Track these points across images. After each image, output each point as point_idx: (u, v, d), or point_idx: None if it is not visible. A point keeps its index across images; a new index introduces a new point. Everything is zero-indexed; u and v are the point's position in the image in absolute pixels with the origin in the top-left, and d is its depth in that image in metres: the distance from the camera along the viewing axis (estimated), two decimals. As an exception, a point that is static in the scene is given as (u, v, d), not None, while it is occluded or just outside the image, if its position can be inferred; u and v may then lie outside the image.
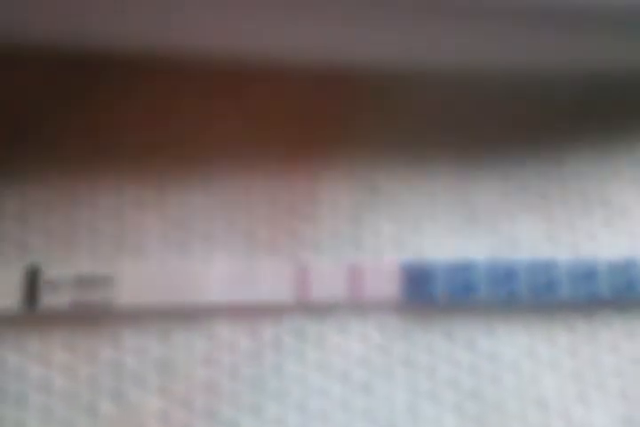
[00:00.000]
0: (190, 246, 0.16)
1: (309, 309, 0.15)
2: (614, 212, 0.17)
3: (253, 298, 0.15)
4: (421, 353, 0.16)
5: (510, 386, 0.15)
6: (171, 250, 0.16)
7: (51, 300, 0.15)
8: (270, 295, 0.15)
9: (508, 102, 0.17)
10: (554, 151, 0.18)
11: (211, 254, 0.16)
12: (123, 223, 0.16)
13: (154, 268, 0.15)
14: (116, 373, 0.15)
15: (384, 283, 0.16)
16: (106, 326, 0.15)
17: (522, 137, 0.17)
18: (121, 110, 0.16)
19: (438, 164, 0.17)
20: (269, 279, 0.15)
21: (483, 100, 0.17)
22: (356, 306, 0.16)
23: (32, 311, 0.15)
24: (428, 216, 0.17)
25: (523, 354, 0.16)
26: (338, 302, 0.15)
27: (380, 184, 0.17)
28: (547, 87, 0.18)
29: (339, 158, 0.17)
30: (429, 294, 0.16)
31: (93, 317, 0.15)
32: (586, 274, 0.16)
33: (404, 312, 0.16)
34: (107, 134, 0.16)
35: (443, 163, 0.17)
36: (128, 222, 0.16)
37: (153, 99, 0.16)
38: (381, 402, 0.15)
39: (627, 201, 0.17)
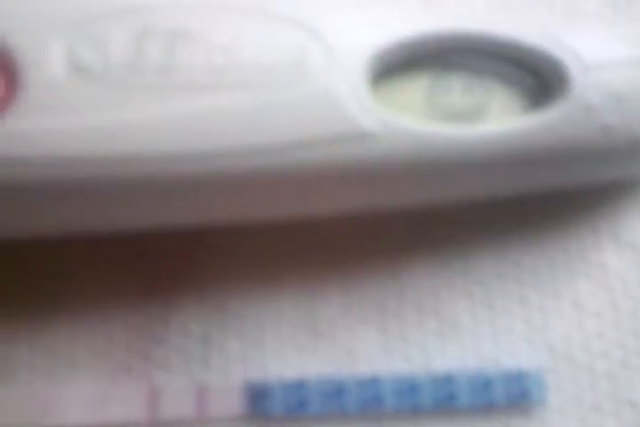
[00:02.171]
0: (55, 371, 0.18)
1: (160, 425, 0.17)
2: (446, 323, 0.19)
3: (109, 418, 0.17)
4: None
5: None
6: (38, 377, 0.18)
7: None
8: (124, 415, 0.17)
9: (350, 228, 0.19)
10: (392, 267, 0.20)
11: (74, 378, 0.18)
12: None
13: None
14: None
15: (229, 401, 0.18)
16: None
17: (361, 256, 0.19)
18: None
19: (285, 282, 0.19)
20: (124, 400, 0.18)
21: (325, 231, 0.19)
22: (204, 421, 0.18)
23: None
24: (273, 332, 0.19)
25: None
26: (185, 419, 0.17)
27: (229, 305, 0.19)
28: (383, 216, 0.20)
29: (189, 283, 0.19)
30: (268, 410, 0.18)
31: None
32: (409, 387, 0.18)
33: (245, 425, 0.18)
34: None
35: (289, 281, 0.19)
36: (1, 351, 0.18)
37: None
38: None
39: (458, 313, 0.19)
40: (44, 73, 0.14)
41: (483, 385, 0.18)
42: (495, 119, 0.16)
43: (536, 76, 0.16)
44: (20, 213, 0.15)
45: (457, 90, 0.16)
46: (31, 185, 0.14)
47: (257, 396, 0.18)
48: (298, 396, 0.18)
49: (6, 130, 0.14)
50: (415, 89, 0.16)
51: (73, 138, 0.14)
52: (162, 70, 0.14)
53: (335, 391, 0.18)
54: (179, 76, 0.14)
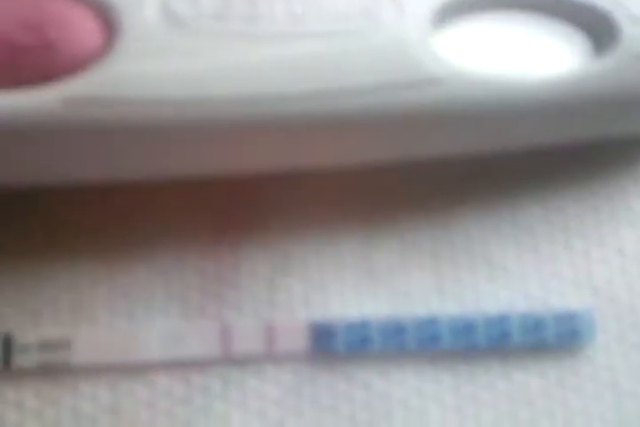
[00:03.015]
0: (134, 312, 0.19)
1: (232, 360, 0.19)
2: (496, 268, 0.20)
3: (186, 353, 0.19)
4: (325, 395, 0.19)
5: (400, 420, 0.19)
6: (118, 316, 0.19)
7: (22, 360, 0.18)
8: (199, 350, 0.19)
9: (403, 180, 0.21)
10: (444, 216, 0.21)
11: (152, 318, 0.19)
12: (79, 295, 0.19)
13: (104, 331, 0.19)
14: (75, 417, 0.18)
15: (295, 338, 0.19)
16: (67, 379, 0.18)
17: (415, 206, 0.21)
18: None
19: (344, 230, 0.20)
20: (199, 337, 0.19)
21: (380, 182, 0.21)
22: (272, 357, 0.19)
23: (7, 370, 0.18)
24: (334, 276, 0.20)
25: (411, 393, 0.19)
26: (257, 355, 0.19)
27: (292, 251, 0.20)
28: (435, 166, 0.21)
29: (256, 231, 0.20)
30: (332, 347, 0.19)
31: (56, 372, 0.18)
32: (465, 327, 0.19)
33: (311, 362, 0.19)
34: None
35: (347, 229, 0.20)
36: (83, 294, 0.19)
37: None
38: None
39: (507, 259, 0.20)
40: (141, 21, 0.15)
41: (534, 325, 0.19)
42: (550, 70, 0.17)
43: (588, 30, 0.18)
44: (107, 155, 0.16)
45: (514, 41, 0.18)
46: (126, 125, 0.15)
47: (322, 334, 0.19)
48: (360, 334, 0.19)
49: (106, 72, 0.15)
50: (478, 38, 0.17)
51: (166, 80, 0.15)
52: (246, 19, 0.16)
53: (395, 330, 0.19)
54: (261, 25, 0.16)
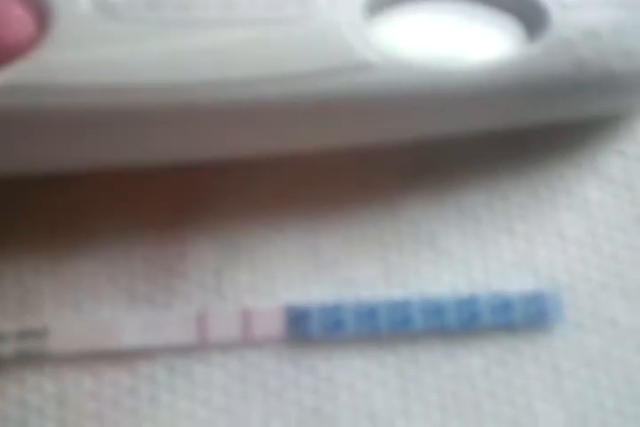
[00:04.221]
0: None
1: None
2: (440, 253, 0.20)
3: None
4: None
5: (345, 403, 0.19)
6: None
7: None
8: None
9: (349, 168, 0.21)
10: (389, 204, 0.21)
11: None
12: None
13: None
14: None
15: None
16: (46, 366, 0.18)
17: (360, 194, 0.21)
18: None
19: (289, 218, 0.21)
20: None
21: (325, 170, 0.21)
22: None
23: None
24: (280, 265, 0.20)
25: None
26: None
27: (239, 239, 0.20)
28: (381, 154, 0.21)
29: (203, 221, 0.20)
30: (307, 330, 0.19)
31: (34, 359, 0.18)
32: (436, 309, 0.19)
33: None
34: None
35: (293, 217, 0.21)
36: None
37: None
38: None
39: (452, 244, 0.21)
40: (74, 10, 0.16)
41: (503, 306, 0.19)
42: (481, 56, 0.18)
43: (520, 16, 0.18)
44: (41, 143, 0.17)
45: (446, 28, 0.18)
46: (57, 112, 0.16)
47: (297, 317, 0.19)
48: (334, 318, 0.19)
49: (38, 60, 0.15)
50: (410, 25, 0.18)
51: (97, 69, 0.16)
52: (178, 7, 0.16)
53: (368, 313, 0.19)
54: (194, 12, 0.16)
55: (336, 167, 0.20)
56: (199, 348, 0.19)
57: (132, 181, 0.20)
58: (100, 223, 0.20)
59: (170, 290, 0.19)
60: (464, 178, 0.21)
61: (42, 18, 0.16)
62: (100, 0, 0.16)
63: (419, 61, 0.17)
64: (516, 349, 0.19)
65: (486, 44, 0.18)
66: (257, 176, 0.20)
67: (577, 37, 0.18)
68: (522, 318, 0.19)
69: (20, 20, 0.15)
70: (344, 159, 0.20)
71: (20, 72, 0.15)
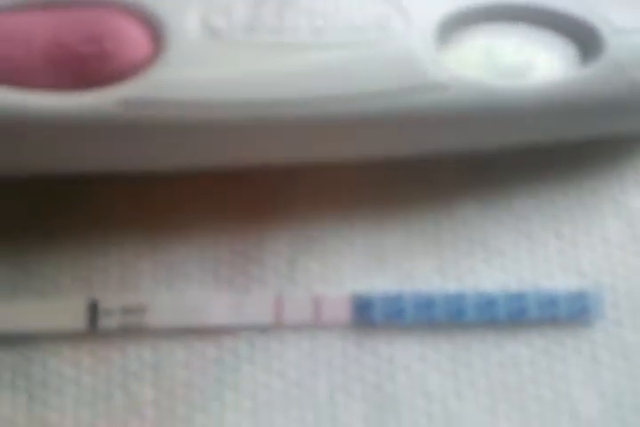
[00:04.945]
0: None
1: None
2: (492, 252, 0.22)
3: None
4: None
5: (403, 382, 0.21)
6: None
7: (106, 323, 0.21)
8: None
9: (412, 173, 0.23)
10: (447, 206, 0.23)
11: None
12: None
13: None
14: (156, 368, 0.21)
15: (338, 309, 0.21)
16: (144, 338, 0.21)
17: (420, 197, 0.23)
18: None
19: (357, 218, 0.23)
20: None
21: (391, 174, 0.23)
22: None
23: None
24: (347, 258, 0.22)
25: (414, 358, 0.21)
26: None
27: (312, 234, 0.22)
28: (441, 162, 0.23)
29: (281, 216, 0.22)
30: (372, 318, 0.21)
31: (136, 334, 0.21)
32: (487, 302, 0.21)
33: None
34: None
35: (361, 217, 0.23)
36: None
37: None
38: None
39: (503, 244, 0.22)
40: (184, 33, 0.18)
41: (549, 302, 0.21)
42: (541, 77, 0.20)
43: (576, 40, 0.20)
44: (154, 149, 0.19)
45: (509, 51, 0.20)
46: (170, 122, 0.18)
47: (362, 305, 0.21)
48: (396, 306, 0.21)
49: (154, 77, 0.18)
50: (476, 48, 0.20)
51: (204, 85, 0.18)
52: (273, 31, 0.18)
53: (426, 304, 0.21)
54: (287, 36, 0.18)
55: (402, 170, 0.22)
56: (275, 328, 0.21)
57: (222, 181, 0.22)
58: (191, 216, 0.22)
59: (248, 275, 0.22)
60: (516, 183, 0.23)
61: (157, 39, 0.18)
62: (206, 24, 0.18)
63: (485, 82, 0.19)
64: (560, 341, 0.21)
65: (544, 66, 0.20)
66: (328, 176, 0.23)
67: (630, 61, 0.19)
68: (566, 313, 0.21)
69: (139, 41, 0.18)
70: (408, 165, 0.22)
71: (137, 88, 0.18)
